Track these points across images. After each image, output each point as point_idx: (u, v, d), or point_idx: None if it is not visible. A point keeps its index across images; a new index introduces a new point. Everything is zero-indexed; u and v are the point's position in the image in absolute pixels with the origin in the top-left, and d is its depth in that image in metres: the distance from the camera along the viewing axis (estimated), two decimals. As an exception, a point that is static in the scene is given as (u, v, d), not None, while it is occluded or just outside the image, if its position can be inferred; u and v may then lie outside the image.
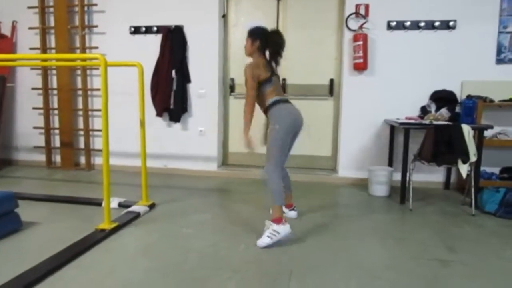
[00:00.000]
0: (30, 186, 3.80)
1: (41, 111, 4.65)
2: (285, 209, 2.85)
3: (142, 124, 3.04)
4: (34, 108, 4.66)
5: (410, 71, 3.92)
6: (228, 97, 4.49)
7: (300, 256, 2.26)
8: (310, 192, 3.76)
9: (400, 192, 3.39)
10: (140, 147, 3.10)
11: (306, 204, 3.28)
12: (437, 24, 3.80)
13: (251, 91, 2.57)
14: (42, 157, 4.75)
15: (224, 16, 4.33)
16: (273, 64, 2.69)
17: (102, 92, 2.45)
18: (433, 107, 3.69)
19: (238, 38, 4.35)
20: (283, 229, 2.41)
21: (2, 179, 4.10)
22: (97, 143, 4.64)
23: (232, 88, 4.45)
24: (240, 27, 4.35)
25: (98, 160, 4.68)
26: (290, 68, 4.28)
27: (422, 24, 3.82)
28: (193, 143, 4.41)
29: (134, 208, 2.98)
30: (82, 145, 4.63)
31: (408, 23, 3.85)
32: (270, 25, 4.20)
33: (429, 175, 3.97)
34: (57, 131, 4.68)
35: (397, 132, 3.94)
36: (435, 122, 3.30)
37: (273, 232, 2.39)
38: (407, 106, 3.93)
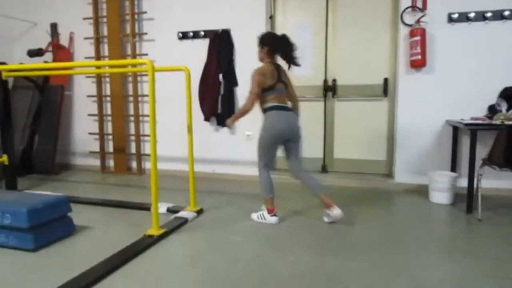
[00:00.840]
0: (84, 190, 3.92)
1: (96, 117, 4.82)
2: (327, 210, 2.80)
3: (190, 129, 3.00)
4: (89, 115, 4.85)
5: (475, 67, 3.56)
6: (276, 100, 4.37)
7: (356, 271, 2.07)
8: (363, 199, 3.53)
9: (467, 200, 3.07)
10: (188, 152, 3.07)
11: (359, 212, 3.07)
12: (507, 13, 3.43)
13: (254, 95, 2.80)
14: (97, 162, 4.92)
15: (272, 17, 4.23)
16: (290, 67, 2.89)
17: (149, 97, 2.44)
18: (503, 106, 3.32)
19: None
20: (270, 219, 2.85)
21: (60, 183, 4.28)
22: (148, 148, 4.72)
23: (279, 91, 4.32)
24: (288, 27, 4.22)
25: (149, 165, 4.75)
26: (341, 68, 4.09)
27: (489, 14, 3.46)
28: (240, 147, 4.34)
29: (182, 213, 2.95)
30: (133, 150, 4.73)
31: (472, 14, 3.50)
32: (319, 25, 4.11)
33: (500, 181, 3.58)
34: (110, 137, 4.83)
35: (461, 134, 3.60)
36: (507, 122, 2.95)
37: (262, 215, 2.90)
38: (471, 106, 3.58)
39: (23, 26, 5.03)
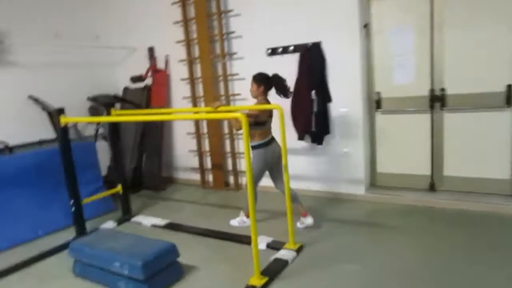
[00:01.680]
0: (187, 214, 4.13)
1: (194, 135, 5.03)
2: (302, 218, 3.43)
3: (286, 168, 2.92)
4: (188, 134, 5.09)
5: None
6: (374, 113, 4.05)
7: None
8: (481, 227, 3.11)
9: None
10: (285, 190, 2.99)
11: (474, 246, 2.69)
12: None
13: (250, 120, 2.97)
14: (197, 176, 5.17)
15: (366, 26, 3.86)
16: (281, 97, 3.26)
17: (245, 151, 2.39)
18: None
19: (384, 46, 3.85)
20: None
21: (165, 203, 4.59)
22: (244, 164, 4.80)
23: (378, 103, 3.98)
24: (385, 33, 3.83)
25: (245, 181, 4.84)
26: (451, 75, 3.61)
27: None
28: (337, 164, 4.15)
29: (282, 253, 2.92)
30: (230, 167, 4.85)
31: None
32: (422, 26, 3.64)
33: None
34: (208, 153, 5.01)
35: None
36: None
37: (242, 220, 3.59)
38: None
39: (124, 52, 5.41)
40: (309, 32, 4.01)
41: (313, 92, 4.01)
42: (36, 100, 4.44)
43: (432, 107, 3.73)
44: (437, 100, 3.70)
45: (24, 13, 4.44)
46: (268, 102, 3.27)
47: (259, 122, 3.16)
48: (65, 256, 3.07)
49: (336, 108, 4.03)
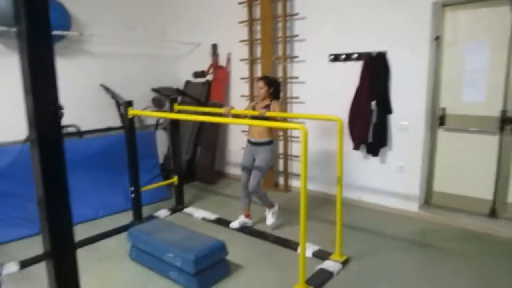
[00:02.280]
0: (236, 211, 4.23)
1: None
2: (244, 218, 3.75)
3: (340, 180, 2.91)
4: (242, 131, 5.19)
5: None
6: (437, 130, 3.89)
7: None
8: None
9: None
10: (337, 196, 2.98)
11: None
12: None
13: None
14: (247, 174, 5.27)
15: (437, 38, 3.70)
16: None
17: (302, 156, 2.42)
18: None
19: (455, 60, 3.67)
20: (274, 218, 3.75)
21: (216, 197, 4.74)
22: (295, 166, 4.83)
23: (442, 119, 3.82)
24: (458, 46, 3.65)
25: (295, 183, 4.88)
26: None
27: None
28: (391, 178, 4.05)
29: (327, 265, 2.93)
30: (281, 168, 4.90)
31: None
32: (499, 42, 3.43)
33: None
34: (260, 153, 5.09)
35: None
36: None
37: (275, 213, 3.77)
38: None
39: (188, 47, 5.61)
40: (375, 41, 3.92)
41: (373, 103, 3.93)
42: (107, 89, 4.75)
43: (502, 128, 3.51)
44: (508, 122, 3.48)
45: (101, 7, 4.76)
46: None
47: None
48: (123, 238, 3.30)
49: (396, 120, 3.93)
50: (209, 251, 2.71)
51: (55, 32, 3.93)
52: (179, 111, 4.09)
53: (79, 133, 4.41)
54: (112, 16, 4.87)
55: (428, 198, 4.03)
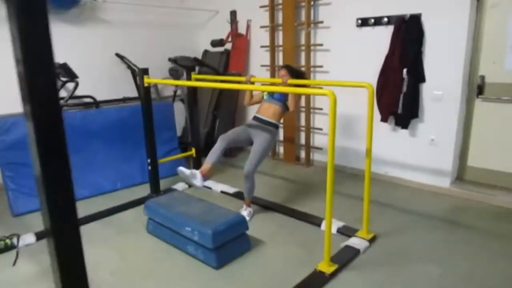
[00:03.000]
0: (256, 185, 4.09)
1: (268, 105, 4.92)
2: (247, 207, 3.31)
3: (369, 153, 2.70)
4: (262, 103, 4.98)
5: None
6: (474, 100, 3.58)
7: None
8: None
9: None
10: (365, 177, 2.78)
11: None
12: None
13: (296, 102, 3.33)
14: (267, 147, 5.09)
15: (479, -2, 3.35)
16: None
17: (330, 127, 2.22)
18: None
19: (498, 23, 3.32)
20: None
21: (235, 170, 4.58)
22: (317, 140, 4.62)
23: (480, 89, 3.51)
24: (503, 7, 3.29)
25: (316, 157, 4.68)
26: None
27: None
28: (421, 152, 3.79)
29: (353, 241, 2.76)
30: (303, 141, 4.70)
31: None
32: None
33: None
34: (281, 125, 4.88)
35: None
36: None
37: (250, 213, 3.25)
38: None
39: (206, 15, 5.36)
40: (408, 2, 3.59)
41: (404, 71, 3.63)
42: (122, 58, 4.59)
43: (549, 98, 3.20)
44: (557, 91, 3.15)
45: (116, -29, 4.54)
46: None
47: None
48: (140, 211, 3.20)
49: (428, 90, 3.64)
50: (228, 225, 2.57)
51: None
52: (197, 80, 3.90)
53: (95, 103, 4.30)
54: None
55: (461, 174, 3.78)
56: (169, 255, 2.72)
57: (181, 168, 3.06)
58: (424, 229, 3.04)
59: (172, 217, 2.73)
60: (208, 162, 3.10)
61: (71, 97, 4.02)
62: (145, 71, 3.42)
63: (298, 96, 3.31)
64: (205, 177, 3.05)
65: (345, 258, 2.57)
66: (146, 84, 3.44)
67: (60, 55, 3.86)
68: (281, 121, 3.38)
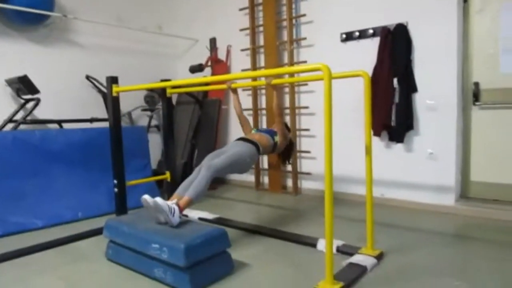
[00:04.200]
0: (239, 212, 3.64)
1: (251, 131, 4.59)
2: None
3: (369, 150, 2.35)
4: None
5: None
6: (470, 108, 3.35)
7: None
8: None
9: None
10: (366, 178, 2.41)
11: None
12: None
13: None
14: (251, 178, 4.68)
15: (466, 1, 3.26)
16: None
17: (325, 108, 1.87)
18: None
19: (487, 27, 3.20)
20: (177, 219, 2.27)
21: (216, 200, 4.13)
22: (304, 165, 4.25)
23: (476, 96, 3.30)
24: (488, 12, 3.19)
25: (305, 184, 4.27)
26: None
27: None
28: (419, 168, 3.46)
29: (358, 258, 2.29)
30: (289, 167, 4.31)
31: None
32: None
33: None
34: (265, 152, 4.52)
35: None
36: None
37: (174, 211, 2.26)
38: None
39: (186, 43, 5.19)
40: (392, 12, 3.48)
41: (395, 80, 3.42)
42: (93, 81, 4.27)
43: (549, 100, 2.99)
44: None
45: (90, -5, 4.38)
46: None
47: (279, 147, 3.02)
48: (101, 240, 2.67)
49: (421, 100, 3.40)
50: (205, 239, 2.09)
51: (31, 10, 3.49)
52: (172, 94, 3.58)
53: (58, 122, 3.85)
54: (99, 5, 4.47)
55: (465, 190, 3.42)
56: (130, 282, 2.18)
57: (146, 197, 2.29)
58: (435, 245, 2.61)
59: (137, 234, 2.23)
60: (179, 193, 2.56)
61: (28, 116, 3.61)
62: (113, 79, 3.08)
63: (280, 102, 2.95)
64: (182, 211, 2.35)
65: (350, 276, 2.09)
66: (114, 94, 3.07)
67: (21, 73, 3.54)
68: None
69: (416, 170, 3.48)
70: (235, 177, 4.89)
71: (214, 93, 4.79)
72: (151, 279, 2.16)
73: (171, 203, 2.30)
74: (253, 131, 3.10)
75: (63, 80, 4.12)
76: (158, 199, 2.24)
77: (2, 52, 3.69)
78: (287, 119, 4.23)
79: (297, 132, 4.22)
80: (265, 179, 4.59)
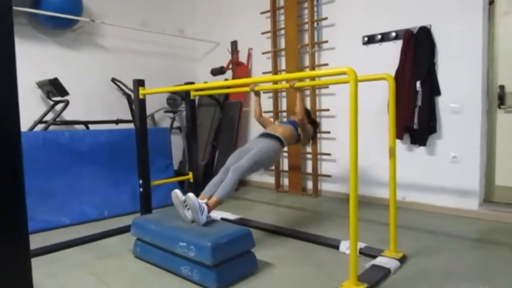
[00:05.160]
0: (260, 213, 3.68)
1: (271, 134, 4.63)
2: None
3: (393, 153, 2.36)
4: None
5: None
6: (495, 112, 3.32)
7: None
8: None
9: None
10: (390, 181, 2.42)
11: None
12: None
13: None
14: (271, 179, 4.72)
15: (492, 3, 3.23)
16: None
17: (350, 112, 1.90)
18: None
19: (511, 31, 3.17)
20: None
21: (237, 201, 4.18)
22: (324, 168, 4.26)
23: (501, 99, 3.26)
24: (515, 14, 3.16)
25: (324, 186, 4.29)
26: None
27: None
28: (442, 172, 3.44)
29: (381, 260, 2.31)
30: (309, 169, 4.34)
31: None
32: None
33: None
34: (285, 154, 4.56)
35: None
36: None
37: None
38: None
39: (207, 46, 5.28)
40: (415, 14, 3.47)
41: (418, 83, 3.41)
42: (118, 84, 4.38)
43: None
44: None
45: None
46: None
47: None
48: (128, 237, 2.76)
49: (444, 103, 3.38)
50: (231, 239, 2.14)
51: (61, 15, 3.63)
52: (196, 96, 3.64)
53: (85, 123, 3.98)
54: (125, 10, 4.60)
55: (489, 195, 3.38)
56: (158, 278, 2.25)
57: (177, 191, 2.41)
58: (460, 249, 2.59)
59: (164, 232, 2.30)
60: (205, 194, 2.60)
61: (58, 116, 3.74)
62: (140, 82, 3.17)
63: (303, 104, 2.97)
64: (210, 211, 2.42)
65: (374, 278, 2.10)
66: (141, 96, 3.17)
67: (51, 75, 3.68)
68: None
69: (439, 174, 3.45)
70: (255, 178, 4.95)
71: (235, 96, 4.85)
72: (178, 276, 2.22)
73: (202, 202, 2.36)
74: (276, 123, 3.15)
75: (90, 83, 4.26)
76: (191, 195, 2.30)
77: (34, 55, 3.84)
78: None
79: (318, 135, 4.23)
80: (285, 181, 4.62)
